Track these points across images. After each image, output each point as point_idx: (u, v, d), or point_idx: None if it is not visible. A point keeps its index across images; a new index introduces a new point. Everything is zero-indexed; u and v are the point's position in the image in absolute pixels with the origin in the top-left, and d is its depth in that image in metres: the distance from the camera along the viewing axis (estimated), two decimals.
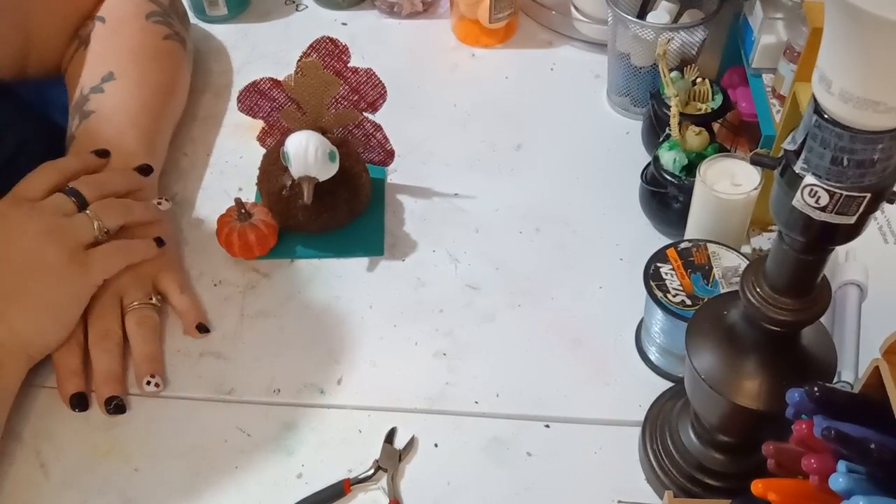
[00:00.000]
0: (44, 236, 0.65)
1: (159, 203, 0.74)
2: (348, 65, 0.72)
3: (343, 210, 0.75)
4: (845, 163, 0.38)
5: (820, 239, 0.43)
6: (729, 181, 0.66)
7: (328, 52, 0.71)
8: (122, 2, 0.82)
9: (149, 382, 0.65)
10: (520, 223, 0.78)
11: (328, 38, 0.71)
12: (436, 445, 0.64)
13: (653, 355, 0.67)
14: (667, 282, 0.63)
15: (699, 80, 0.76)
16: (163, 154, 0.81)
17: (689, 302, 0.62)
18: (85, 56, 0.79)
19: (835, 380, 0.58)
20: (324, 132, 0.73)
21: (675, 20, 0.81)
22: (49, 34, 0.80)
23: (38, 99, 0.85)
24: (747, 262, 0.61)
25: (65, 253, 0.65)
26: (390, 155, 0.79)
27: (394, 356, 0.69)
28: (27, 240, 0.64)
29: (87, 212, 0.68)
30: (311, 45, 0.71)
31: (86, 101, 0.76)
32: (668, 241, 0.66)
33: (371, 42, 0.96)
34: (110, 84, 0.77)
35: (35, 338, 0.64)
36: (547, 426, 0.65)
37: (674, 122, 0.71)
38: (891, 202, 0.41)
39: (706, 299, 0.61)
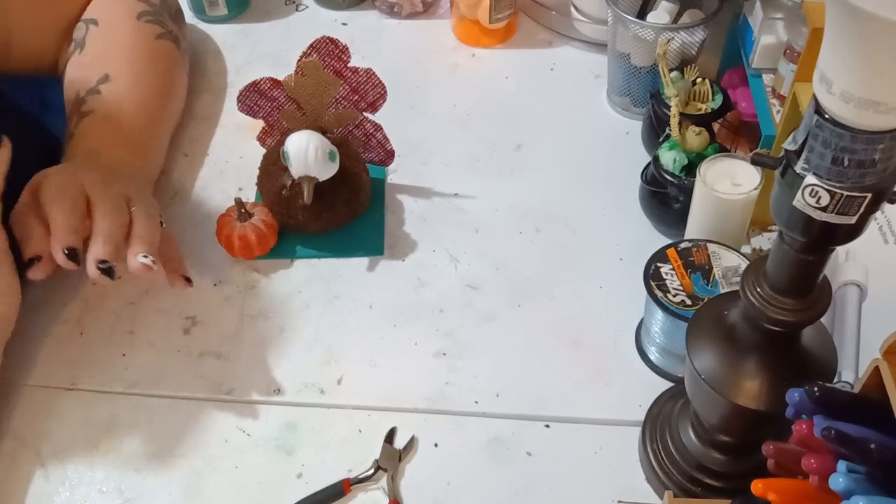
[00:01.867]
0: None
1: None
2: (348, 65, 0.72)
3: (343, 210, 0.75)
4: (846, 163, 0.38)
5: (820, 239, 0.43)
6: (729, 181, 0.66)
7: (328, 52, 0.71)
8: (112, 3, 0.82)
9: (145, 256, 0.63)
10: (520, 223, 0.78)
11: (328, 38, 0.71)
12: (436, 445, 0.64)
13: (653, 355, 0.67)
14: (667, 282, 0.63)
15: (699, 80, 0.76)
16: (161, 155, 0.81)
17: (689, 302, 0.62)
18: (80, 60, 0.79)
19: (835, 380, 0.58)
20: (324, 132, 0.73)
21: (675, 20, 0.81)
22: (31, 30, 0.80)
23: (36, 100, 0.84)
24: (747, 262, 0.61)
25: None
26: (390, 155, 0.79)
27: (394, 356, 0.69)
28: None
29: None
30: (311, 45, 0.71)
31: (83, 102, 0.75)
32: (668, 241, 0.66)
33: (371, 42, 0.96)
34: (106, 86, 0.76)
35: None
36: (547, 426, 0.65)
37: (674, 122, 0.71)
38: (891, 202, 0.41)
39: (706, 299, 0.61)
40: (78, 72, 0.78)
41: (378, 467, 0.62)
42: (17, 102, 0.80)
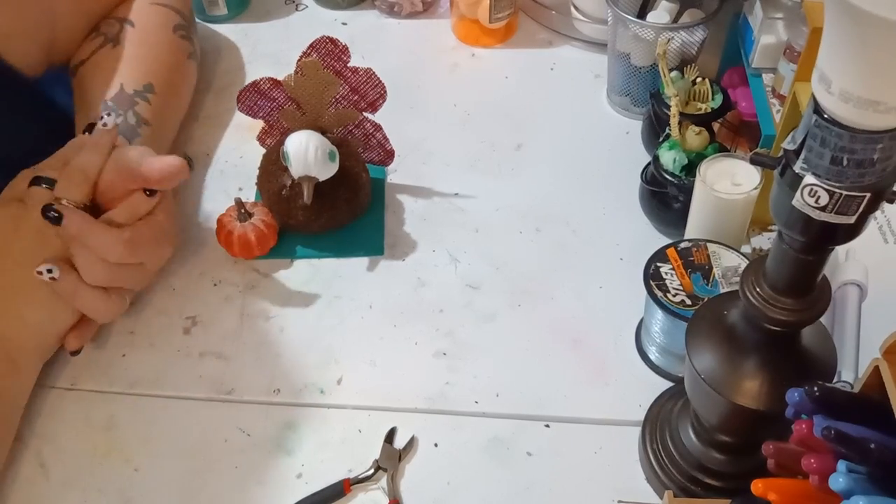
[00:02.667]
0: (35, 236, 0.64)
1: (103, 123, 0.67)
2: (348, 65, 0.72)
3: (343, 210, 0.75)
4: (845, 162, 0.38)
5: (820, 239, 0.43)
6: (729, 181, 0.66)
7: (328, 52, 0.71)
8: (150, 10, 0.83)
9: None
10: (520, 223, 0.78)
11: (328, 37, 0.71)
12: (436, 445, 0.64)
13: (653, 355, 0.67)
14: (667, 281, 0.63)
15: (699, 79, 0.76)
16: None
17: (689, 302, 0.62)
18: (116, 54, 0.79)
19: (835, 379, 0.58)
20: (324, 132, 0.73)
21: (675, 20, 0.81)
22: (74, 30, 0.80)
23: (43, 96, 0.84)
24: (747, 262, 0.61)
25: (60, 247, 0.64)
26: (390, 155, 0.79)
27: (394, 356, 0.69)
28: (22, 241, 0.64)
29: (56, 194, 0.64)
30: (311, 45, 0.71)
31: (133, 102, 0.75)
32: (668, 241, 0.66)
33: (371, 42, 0.96)
34: (154, 97, 0.77)
35: (47, 326, 0.65)
36: (547, 426, 0.65)
37: (674, 121, 0.71)
38: (891, 202, 0.41)
39: (706, 299, 0.61)
40: (117, 63, 0.78)
41: (378, 467, 0.62)
42: (25, 78, 0.80)
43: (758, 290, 0.47)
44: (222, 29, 0.99)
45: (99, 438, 0.65)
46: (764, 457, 0.45)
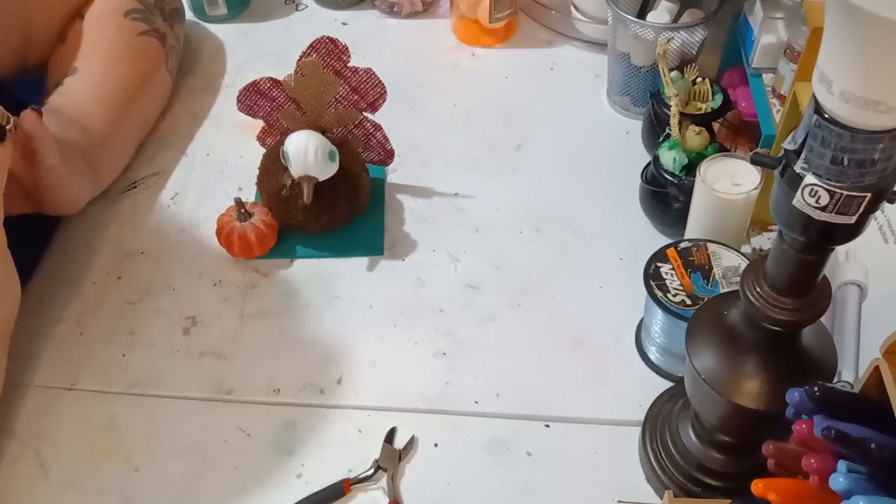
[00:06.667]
0: None
1: (10, 128, 0.62)
2: (348, 65, 0.72)
3: (343, 210, 0.75)
4: (846, 162, 0.38)
5: (820, 239, 0.43)
6: (729, 181, 0.66)
7: (328, 52, 0.71)
8: (104, 0, 0.83)
9: None
10: (520, 223, 0.78)
11: (328, 37, 0.71)
12: (436, 445, 0.64)
13: (653, 355, 0.67)
14: (667, 281, 0.63)
15: (699, 79, 0.76)
16: (125, 147, 0.81)
17: (689, 302, 0.62)
18: (58, 54, 0.79)
19: (835, 379, 0.58)
20: (324, 132, 0.73)
21: (675, 20, 0.81)
22: (47, 33, 0.80)
23: (32, 100, 0.85)
24: (747, 262, 0.61)
25: None
26: (390, 155, 0.79)
27: (394, 356, 0.69)
28: None
29: None
30: (311, 45, 0.71)
31: (48, 95, 0.75)
32: (668, 241, 0.66)
33: (371, 42, 0.96)
34: (71, 78, 0.76)
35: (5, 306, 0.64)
36: (547, 426, 0.65)
37: (674, 121, 0.71)
38: (891, 202, 0.41)
39: (706, 299, 0.61)
40: (53, 65, 0.78)
41: (378, 467, 0.62)
42: (11, 93, 0.80)
43: (758, 290, 0.47)
44: (222, 29, 0.99)
45: (99, 438, 0.65)
46: (764, 457, 0.45)
